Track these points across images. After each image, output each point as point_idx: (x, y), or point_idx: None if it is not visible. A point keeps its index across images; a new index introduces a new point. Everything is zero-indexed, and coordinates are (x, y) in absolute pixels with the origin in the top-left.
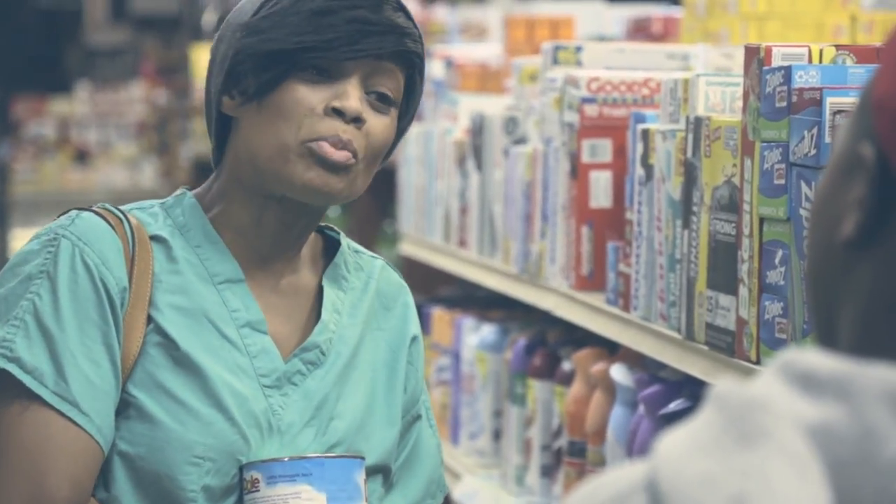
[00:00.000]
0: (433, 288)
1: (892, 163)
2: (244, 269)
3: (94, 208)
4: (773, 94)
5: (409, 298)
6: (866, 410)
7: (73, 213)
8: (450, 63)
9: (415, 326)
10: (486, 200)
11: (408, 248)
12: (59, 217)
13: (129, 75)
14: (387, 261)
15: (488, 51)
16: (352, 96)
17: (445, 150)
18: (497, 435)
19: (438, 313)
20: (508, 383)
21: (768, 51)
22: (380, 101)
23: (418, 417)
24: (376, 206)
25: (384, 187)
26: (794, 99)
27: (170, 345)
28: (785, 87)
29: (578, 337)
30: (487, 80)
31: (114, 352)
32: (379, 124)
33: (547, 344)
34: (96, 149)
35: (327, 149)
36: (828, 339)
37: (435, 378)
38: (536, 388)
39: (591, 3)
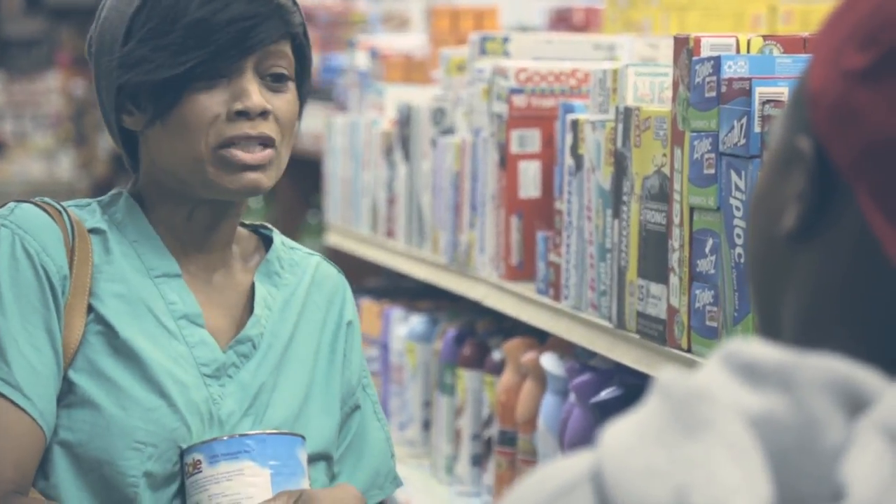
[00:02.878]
0: (360, 279)
1: (830, 155)
2: (180, 266)
3: (33, 200)
4: (702, 84)
5: (348, 291)
6: (808, 400)
7: (12, 204)
8: (374, 53)
9: (350, 313)
10: (414, 191)
11: (334, 239)
12: None
13: (45, 66)
14: (323, 256)
15: (412, 41)
16: (252, 93)
17: (372, 141)
18: (426, 425)
19: (366, 304)
20: (438, 373)
21: (697, 41)
22: (276, 82)
23: (358, 408)
24: (300, 197)
25: (308, 178)
26: (724, 89)
27: (110, 333)
28: (714, 78)
29: (507, 326)
30: (412, 70)
31: (55, 338)
32: (282, 103)
33: (476, 334)
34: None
35: (242, 155)
36: (770, 330)
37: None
38: (466, 378)
39: None
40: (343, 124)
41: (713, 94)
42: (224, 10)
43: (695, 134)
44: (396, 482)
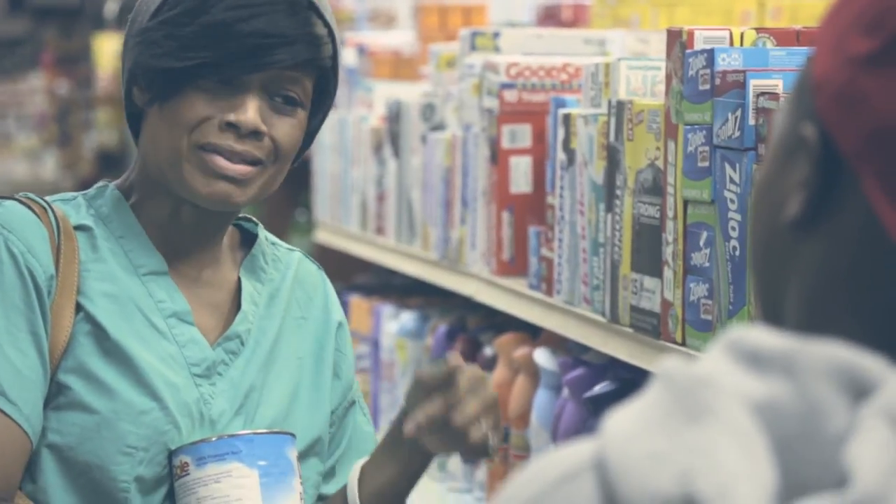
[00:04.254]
0: (349, 276)
1: (836, 141)
2: (166, 262)
3: (17, 196)
4: (696, 77)
5: (329, 287)
6: (811, 386)
7: None
8: (362, 50)
9: (338, 314)
10: (404, 187)
11: (323, 236)
12: None
13: (29, 66)
14: (304, 252)
15: (400, 38)
16: (249, 109)
17: (361, 138)
18: None
19: (356, 301)
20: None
21: (690, 34)
22: (286, 104)
23: (353, 403)
24: (288, 195)
25: (296, 176)
26: (718, 82)
27: (100, 333)
28: (708, 70)
29: (499, 322)
30: (401, 67)
31: (41, 341)
32: (284, 127)
33: (468, 330)
34: None
35: (222, 163)
36: (773, 319)
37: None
38: None
39: None
40: (331, 121)
41: (707, 86)
42: (248, 21)
43: (688, 127)
44: None
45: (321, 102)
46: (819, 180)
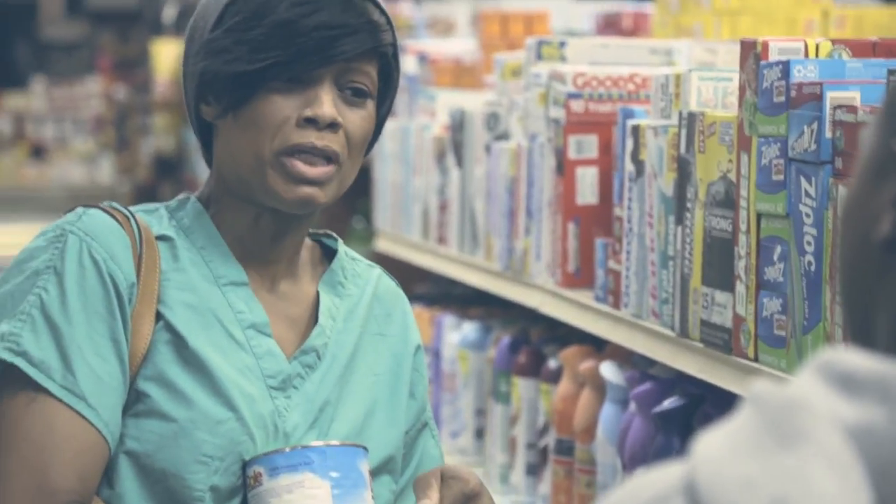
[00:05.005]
0: (410, 285)
1: None
2: (245, 273)
3: (101, 205)
4: (770, 89)
5: (408, 306)
6: None
7: (80, 209)
8: (423, 58)
9: (416, 335)
10: (467, 197)
11: (383, 245)
12: (65, 214)
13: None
14: (384, 269)
15: (461, 46)
16: (325, 102)
17: (423, 146)
18: (479, 433)
19: (417, 310)
20: (492, 381)
21: (765, 45)
22: (355, 96)
23: (425, 425)
24: (346, 203)
25: (354, 183)
26: (793, 94)
27: (179, 342)
28: (783, 82)
29: (562, 334)
30: (462, 75)
31: (121, 347)
32: (356, 119)
33: (531, 342)
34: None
35: (302, 167)
36: (864, 340)
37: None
38: (521, 386)
39: None
40: (393, 129)
41: (782, 98)
42: (312, 16)
43: (763, 139)
44: None
45: (386, 91)
46: None
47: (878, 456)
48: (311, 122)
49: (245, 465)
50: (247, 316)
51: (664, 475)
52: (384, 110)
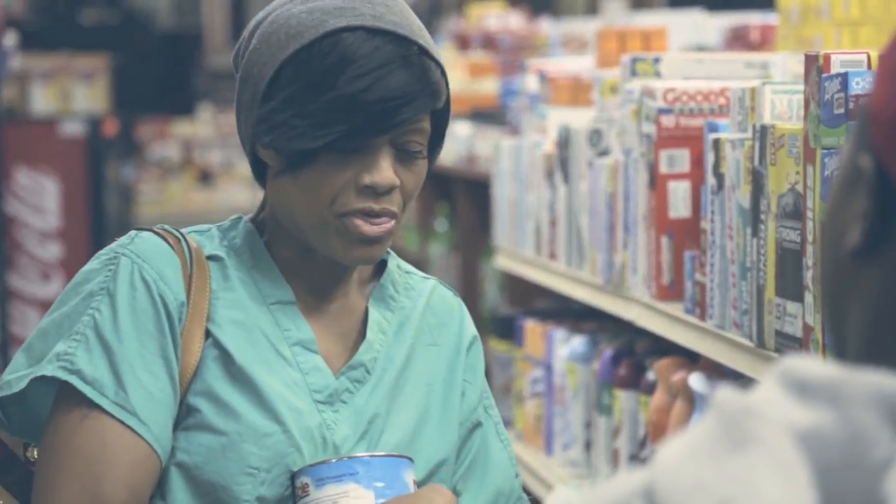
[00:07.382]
0: (528, 301)
1: (891, 174)
2: (295, 293)
3: (153, 228)
4: (831, 101)
5: (465, 312)
6: (855, 415)
7: (133, 232)
8: (543, 76)
9: (471, 330)
10: (573, 212)
11: (503, 262)
12: (119, 238)
13: None
14: (440, 280)
15: (582, 63)
16: (384, 168)
17: (535, 163)
18: (588, 445)
19: (531, 325)
20: (597, 394)
21: (827, 58)
22: (411, 155)
23: (479, 425)
24: (481, 221)
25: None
26: (852, 105)
27: (227, 358)
28: (842, 94)
29: (664, 346)
30: (579, 92)
31: (171, 364)
32: (411, 176)
33: (634, 354)
34: (219, 169)
35: (364, 227)
36: (838, 348)
37: (529, 390)
38: (622, 399)
39: (690, 13)
40: (509, 147)
41: (841, 110)
42: (372, 89)
43: (825, 151)
44: (522, 502)
45: (437, 136)
46: (876, 210)
47: (824, 458)
48: (370, 189)
49: (293, 476)
50: (293, 333)
51: (628, 480)
52: (434, 155)
